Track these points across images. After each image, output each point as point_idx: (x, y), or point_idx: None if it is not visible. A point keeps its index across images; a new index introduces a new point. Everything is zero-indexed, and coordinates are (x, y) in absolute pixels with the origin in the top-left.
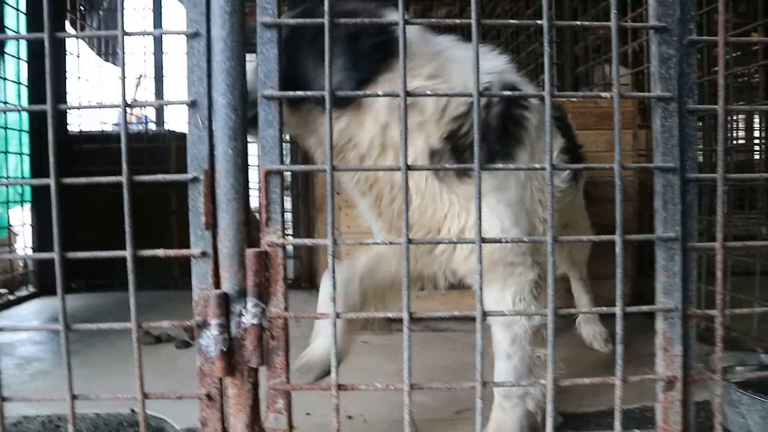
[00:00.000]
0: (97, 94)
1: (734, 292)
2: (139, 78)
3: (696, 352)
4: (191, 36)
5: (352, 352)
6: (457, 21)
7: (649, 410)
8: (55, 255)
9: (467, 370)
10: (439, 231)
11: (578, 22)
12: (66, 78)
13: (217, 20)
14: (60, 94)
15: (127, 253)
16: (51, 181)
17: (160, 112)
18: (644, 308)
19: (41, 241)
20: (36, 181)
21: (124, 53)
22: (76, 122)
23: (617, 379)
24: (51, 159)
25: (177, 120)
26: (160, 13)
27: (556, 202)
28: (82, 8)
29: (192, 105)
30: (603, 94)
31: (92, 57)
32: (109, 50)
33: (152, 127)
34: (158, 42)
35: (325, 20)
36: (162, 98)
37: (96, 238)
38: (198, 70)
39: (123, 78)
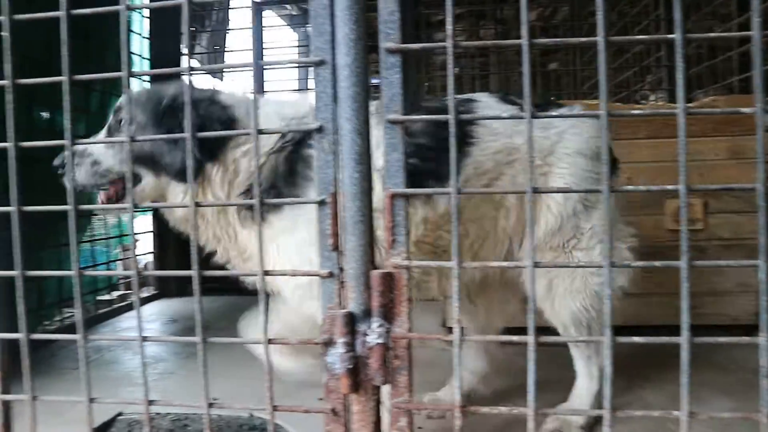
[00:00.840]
0: None
1: None
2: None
3: None
4: (318, 64)
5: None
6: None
7: None
8: (193, 273)
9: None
10: None
11: (712, 35)
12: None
13: (342, 48)
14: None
15: (258, 272)
16: (190, 202)
17: None
18: None
19: (160, 246)
20: (178, 205)
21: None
22: None
23: (764, 416)
24: (189, 179)
25: None
26: (261, 31)
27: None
28: (193, 29)
29: (319, 130)
30: (743, 110)
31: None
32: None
33: None
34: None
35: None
36: None
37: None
38: (324, 97)
39: (255, 108)
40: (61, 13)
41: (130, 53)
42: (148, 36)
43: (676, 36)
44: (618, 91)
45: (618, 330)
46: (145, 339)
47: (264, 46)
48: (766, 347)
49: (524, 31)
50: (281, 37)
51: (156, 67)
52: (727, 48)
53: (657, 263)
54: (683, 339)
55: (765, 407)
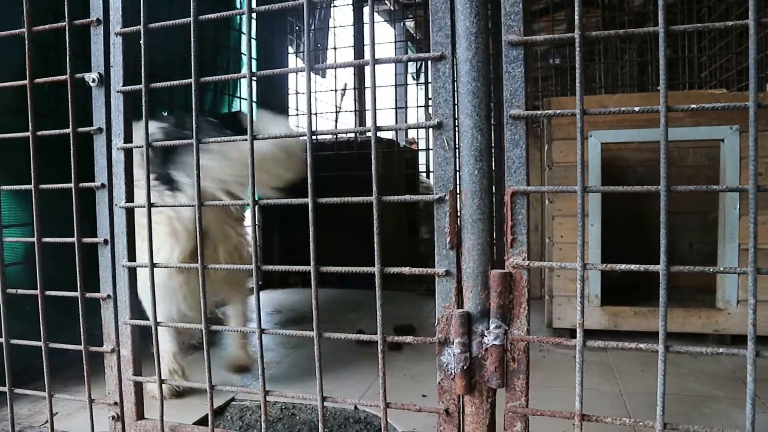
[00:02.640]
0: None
1: None
2: (344, 89)
3: None
4: (437, 59)
5: (566, 369)
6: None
7: None
8: (311, 268)
9: (700, 402)
10: None
11: None
12: (287, 93)
13: (462, 42)
14: (285, 112)
15: (375, 270)
16: (309, 200)
17: (362, 118)
18: None
19: (264, 237)
20: (296, 201)
21: (374, 85)
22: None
23: None
24: (309, 179)
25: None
26: (372, 27)
27: None
28: (297, 27)
29: (438, 127)
30: None
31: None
32: (318, 63)
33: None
34: (360, 54)
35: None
36: (363, 107)
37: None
38: (444, 92)
39: (371, 107)
40: (190, 19)
41: (240, 54)
42: (255, 37)
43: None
44: (743, 79)
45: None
46: (263, 331)
47: (365, 42)
48: None
49: (661, 17)
50: (379, 32)
51: (263, 67)
52: None
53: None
54: None
55: None
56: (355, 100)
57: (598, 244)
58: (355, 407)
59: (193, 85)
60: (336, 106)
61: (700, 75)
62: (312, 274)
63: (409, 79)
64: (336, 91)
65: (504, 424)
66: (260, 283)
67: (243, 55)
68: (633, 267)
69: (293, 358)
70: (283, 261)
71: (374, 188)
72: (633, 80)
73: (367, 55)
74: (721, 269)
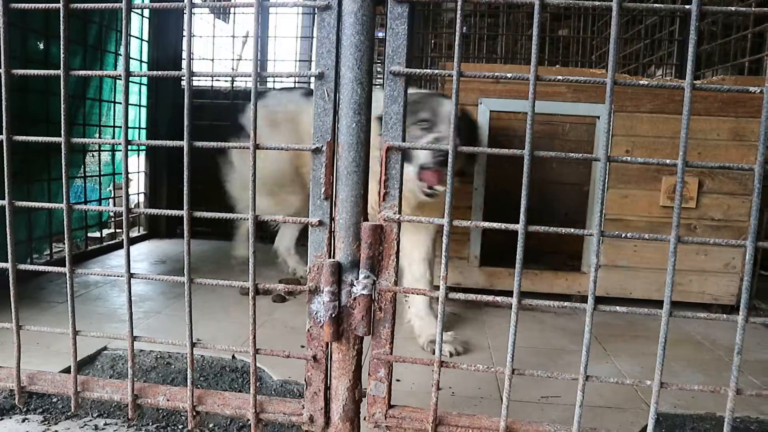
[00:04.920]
0: (210, 50)
1: None
2: (246, 37)
3: None
4: (323, 8)
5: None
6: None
7: (752, 422)
8: (184, 213)
9: (556, 354)
10: None
11: (732, 9)
12: (183, 35)
13: None
14: (178, 54)
15: (250, 216)
16: (185, 144)
17: (263, 68)
18: None
19: (152, 186)
20: (171, 143)
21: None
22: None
23: (731, 390)
24: (186, 122)
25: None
26: None
27: None
28: None
29: (320, 77)
30: (752, 89)
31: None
32: (220, 8)
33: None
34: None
35: None
36: (266, 55)
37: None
38: (327, 43)
39: (253, 55)
40: None
41: None
42: None
43: (692, 6)
44: (627, 63)
45: (603, 300)
46: (132, 275)
47: None
48: (743, 326)
49: None
50: None
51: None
52: (742, 27)
53: (646, 235)
54: (664, 312)
55: (733, 382)
56: (257, 49)
57: (480, 208)
58: (233, 356)
59: (61, 10)
60: (236, 54)
61: (591, 57)
62: (185, 218)
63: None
64: (235, 38)
65: (369, 370)
66: (146, 232)
67: None
68: (495, 225)
69: (174, 308)
70: (173, 208)
71: (252, 135)
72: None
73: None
74: (572, 231)
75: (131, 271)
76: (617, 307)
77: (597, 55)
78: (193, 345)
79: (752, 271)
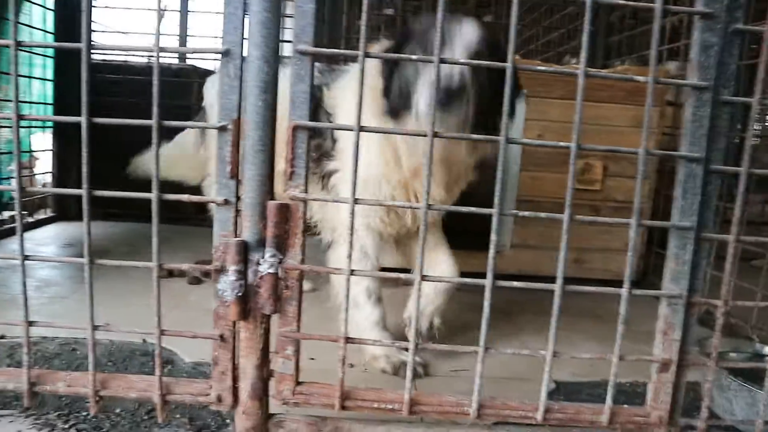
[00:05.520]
0: (124, 22)
1: (738, 279)
2: (163, 10)
3: (694, 334)
4: None
5: None
6: None
7: (639, 386)
8: (83, 192)
9: (468, 329)
10: None
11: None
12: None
13: None
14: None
15: (153, 196)
16: (83, 120)
17: (183, 44)
18: (650, 292)
19: (60, 166)
20: (67, 119)
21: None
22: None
23: (615, 357)
24: (83, 98)
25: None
26: None
27: None
28: None
29: (225, 54)
30: (638, 78)
31: None
32: None
33: (175, 61)
34: None
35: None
36: (186, 32)
37: (112, 167)
38: (234, 19)
39: (156, 29)
40: None
41: None
42: None
43: None
44: (545, 51)
45: (512, 277)
46: (26, 258)
47: None
48: (626, 298)
49: None
50: None
51: None
52: (649, 20)
53: (542, 214)
54: (557, 286)
55: (617, 349)
56: (183, 26)
57: None
58: (144, 340)
59: None
60: (153, 29)
61: (528, 46)
62: (84, 199)
63: None
64: (151, 11)
65: (276, 348)
66: (54, 213)
67: None
68: (398, 204)
69: (82, 292)
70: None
71: (154, 114)
72: None
73: None
74: (474, 210)
75: (27, 254)
76: (514, 283)
77: (520, 40)
78: (95, 328)
79: (647, 249)
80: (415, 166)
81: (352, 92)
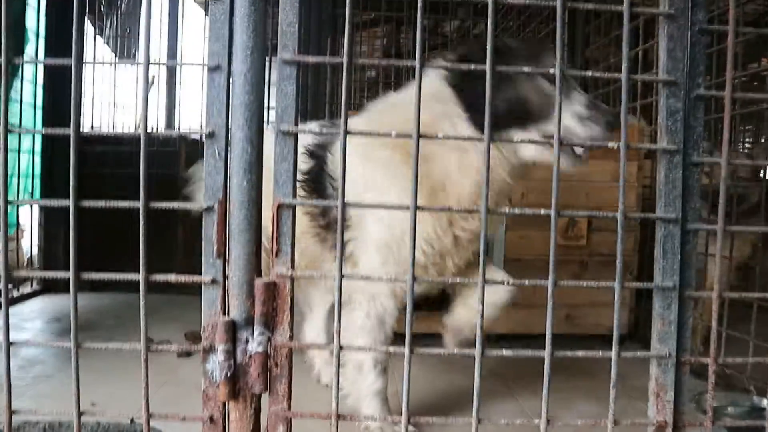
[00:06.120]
0: (112, 94)
1: (729, 328)
2: (152, 80)
3: (689, 389)
4: (213, 69)
5: None
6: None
7: None
8: (71, 275)
9: (463, 395)
10: None
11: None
12: (82, 78)
13: (239, 55)
14: (77, 96)
15: (141, 277)
16: (71, 203)
17: (170, 115)
18: (639, 354)
19: (47, 238)
20: (55, 202)
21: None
22: (88, 121)
23: (609, 422)
24: (72, 182)
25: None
26: (176, 16)
27: None
28: (101, 8)
29: (210, 136)
30: (610, 144)
31: (108, 55)
32: (125, 51)
33: (162, 129)
34: (173, 47)
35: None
36: (174, 100)
37: (102, 240)
38: (218, 103)
39: (145, 116)
40: None
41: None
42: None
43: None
44: None
45: (506, 337)
46: (11, 344)
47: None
48: (616, 361)
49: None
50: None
51: (52, 46)
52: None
53: (526, 282)
54: (546, 353)
55: (611, 413)
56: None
57: None
58: (132, 420)
59: None
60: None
61: None
62: (71, 281)
63: None
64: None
65: (267, 427)
66: (39, 287)
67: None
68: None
69: (69, 371)
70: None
71: (141, 193)
72: None
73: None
74: (458, 280)
75: (15, 337)
76: (503, 351)
77: None
78: (80, 414)
79: (637, 302)
80: (467, 190)
81: (360, 158)
